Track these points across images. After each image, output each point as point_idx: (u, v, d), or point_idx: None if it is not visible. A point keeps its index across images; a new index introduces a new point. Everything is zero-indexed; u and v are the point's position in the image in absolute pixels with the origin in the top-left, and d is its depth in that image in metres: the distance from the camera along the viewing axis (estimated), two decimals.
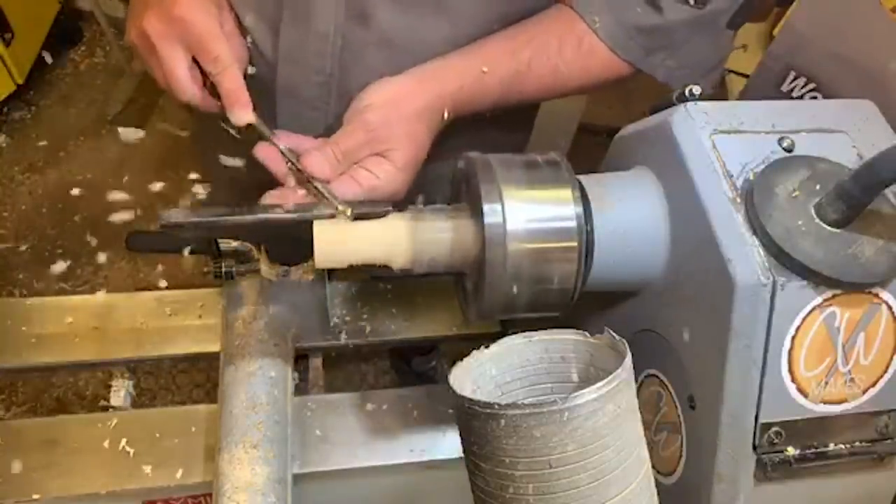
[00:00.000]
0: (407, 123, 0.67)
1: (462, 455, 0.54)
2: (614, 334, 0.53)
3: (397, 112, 0.66)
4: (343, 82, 0.74)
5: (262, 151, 0.66)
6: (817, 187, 0.56)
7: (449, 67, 0.70)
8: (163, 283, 0.89)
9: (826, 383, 0.55)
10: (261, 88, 0.66)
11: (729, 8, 0.70)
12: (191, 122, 1.04)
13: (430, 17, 0.70)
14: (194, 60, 0.65)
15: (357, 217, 0.61)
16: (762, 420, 0.55)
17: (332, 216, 0.62)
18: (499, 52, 0.70)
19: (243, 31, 0.73)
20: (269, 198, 0.65)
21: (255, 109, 0.65)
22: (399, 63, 0.71)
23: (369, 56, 0.72)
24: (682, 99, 0.61)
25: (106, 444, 0.75)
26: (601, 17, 0.70)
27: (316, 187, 0.63)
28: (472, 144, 0.68)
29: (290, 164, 0.64)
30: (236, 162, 0.68)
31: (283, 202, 0.64)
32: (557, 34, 0.72)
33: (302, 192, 0.65)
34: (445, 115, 0.70)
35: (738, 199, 0.56)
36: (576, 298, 0.61)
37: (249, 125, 0.65)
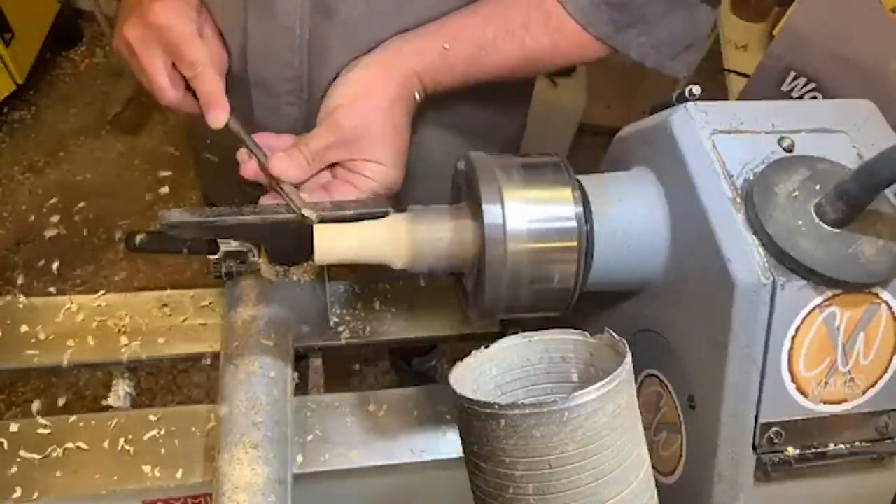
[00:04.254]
0: (381, 116, 0.66)
1: (462, 455, 0.54)
2: (614, 334, 0.53)
3: (368, 107, 0.66)
4: (314, 76, 0.74)
5: (241, 155, 0.67)
6: (817, 187, 0.56)
7: (408, 47, 0.69)
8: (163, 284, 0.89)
9: (826, 383, 0.55)
10: (236, 85, 0.67)
11: None
12: (185, 121, 1.05)
13: (394, 8, 0.69)
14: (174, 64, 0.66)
15: (358, 217, 0.61)
16: (762, 420, 0.55)
17: (331, 219, 0.61)
18: (460, 28, 0.69)
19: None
20: (269, 198, 0.65)
21: (232, 112, 0.66)
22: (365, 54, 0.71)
23: (336, 49, 0.71)
24: (682, 99, 0.61)
25: (106, 444, 0.75)
26: None
27: (282, 190, 0.63)
28: (466, 133, 0.68)
29: (261, 166, 0.65)
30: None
31: (282, 202, 0.64)
32: (524, 10, 0.70)
33: (305, 193, 0.65)
34: (417, 96, 0.69)
35: (738, 199, 0.56)
36: (576, 298, 0.61)
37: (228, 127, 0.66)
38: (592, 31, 0.70)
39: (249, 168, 0.66)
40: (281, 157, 0.64)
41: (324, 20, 0.70)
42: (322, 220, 0.61)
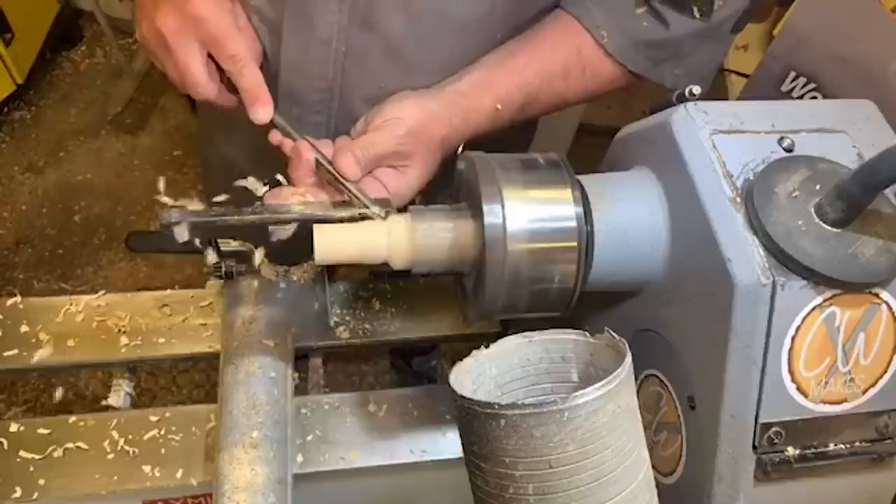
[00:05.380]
0: (429, 148, 0.67)
1: (462, 455, 0.54)
2: (614, 334, 0.53)
3: (425, 135, 0.67)
4: (346, 88, 0.74)
5: (290, 148, 0.65)
6: (817, 187, 0.56)
7: (468, 101, 0.70)
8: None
9: (826, 383, 0.55)
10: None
11: (732, 15, 0.71)
12: (194, 117, 1.04)
13: (435, 25, 0.69)
14: (209, 56, 0.65)
15: (359, 217, 0.61)
16: (762, 420, 0.55)
17: (332, 220, 0.61)
18: (513, 85, 0.71)
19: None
20: (270, 198, 0.65)
21: (276, 107, 0.65)
22: (404, 70, 0.71)
23: (373, 62, 0.72)
24: (682, 99, 0.61)
25: (106, 444, 0.75)
26: (609, 32, 0.71)
27: (347, 187, 0.63)
28: (475, 146, 0.68)
29: (322, 164, 0.64)
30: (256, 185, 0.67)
31: (283, 202, 0.64)
32: (562, 59, 0.72)
33: (306, 192, 0.65)
34: (460, 147, 0.71)
35: (738, 199, 0.56)
36: (576, 298, 0.61)
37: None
38: (631, 67, 0.73)
39: (304, 151, 0.65)
40: (348, 155, 0.64)
41: (363, 33, 0.70)
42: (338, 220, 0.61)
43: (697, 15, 0.69)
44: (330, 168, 0.63)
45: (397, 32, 0.69)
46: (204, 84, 0.65)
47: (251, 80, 0.64)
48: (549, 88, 0.72)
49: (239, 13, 0.70)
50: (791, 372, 0.54)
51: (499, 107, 0.70)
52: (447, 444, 0.77)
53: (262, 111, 0.64)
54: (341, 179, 0.63)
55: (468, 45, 0.72)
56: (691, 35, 0.71)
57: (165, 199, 0.61)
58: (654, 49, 0.72)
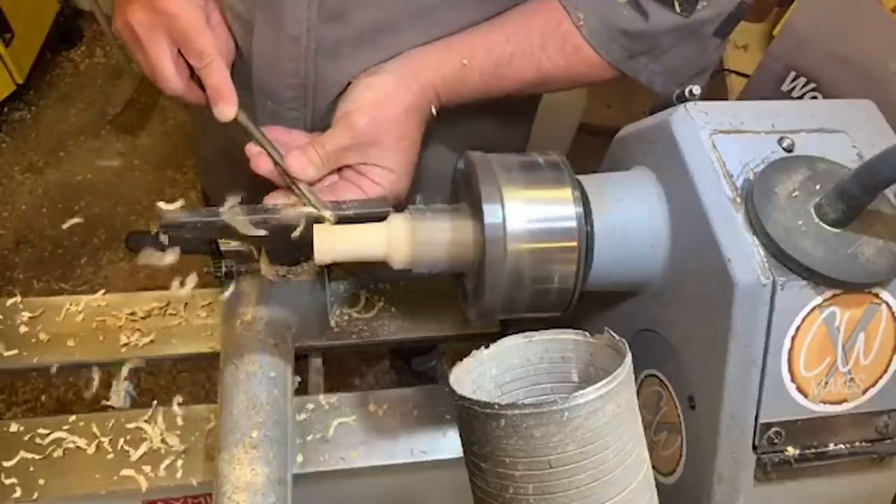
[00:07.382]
0: (395, 125, 0.66)
1: (462, 455, 0.54)
2: (614, 334, 0.53)
3: (385, 114, 0.66)
4: (320, 83, 0.73)
5: (250, 149, 0.66)
6: (817, 187, 0.56)
7: (429, 60, 0.69)
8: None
9: (826, 383, 0.55)
10: (240, 83, 0.66)
11: (716, 17, 0.69)
12: (189, 109, 1.04)
13: (409, 19, 0.69)
14: (180, 52, 0.65)
15: (358, 218, 0.61)
16: (762, 420, 0.55)
17: (331, 220, 0.61)
18: (479, 45, 0.70)
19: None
20: (271, 198, 0.65)
21: (241, 106, 0.65)
22: (378, 62, 0.70)
23: (346, 56, 0.71)
24: (682, 99, 0.61)
25: (106, 443, 0.75)
26: (586, 16, 0.70)
27: (300, 189, 0.62)
28: (472, 144, 0.68)
29: (275, 164, 0.64)
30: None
31: (284, 202, 0.64)
32: (541, 31, 0.70)
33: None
34: (433, 110, 0.70)
35: (738, 199, 0.56)
36: (576, 298, 0.61)
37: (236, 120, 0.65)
38: (604, 56, 0.71)
39: (261, 164, 0.65)
40: (297, 155, 0.63)
41: (334, 28, 0.69)
42: (339, 221, 0.61)
43: (678, 10, 0.68)
44: (280, 163, 0.63)
45: (369, 23, 0.69)
46: (172, 79, 0.65)
47: (217, 77, 0.64)
48: (525, 54, 0.70)
49: (211, 10, 0.70)
50: (791, 372, 0.54)
51: (465, 61, 0.69)
52: (447, 444, 0.77)
53: (225, 109, 0.64)
54: (292, 178, 0.63)
55: (442, 34, 0.71)
56: (670, 31, 0.69)
57: None
58: (631, 40, 0.70)
